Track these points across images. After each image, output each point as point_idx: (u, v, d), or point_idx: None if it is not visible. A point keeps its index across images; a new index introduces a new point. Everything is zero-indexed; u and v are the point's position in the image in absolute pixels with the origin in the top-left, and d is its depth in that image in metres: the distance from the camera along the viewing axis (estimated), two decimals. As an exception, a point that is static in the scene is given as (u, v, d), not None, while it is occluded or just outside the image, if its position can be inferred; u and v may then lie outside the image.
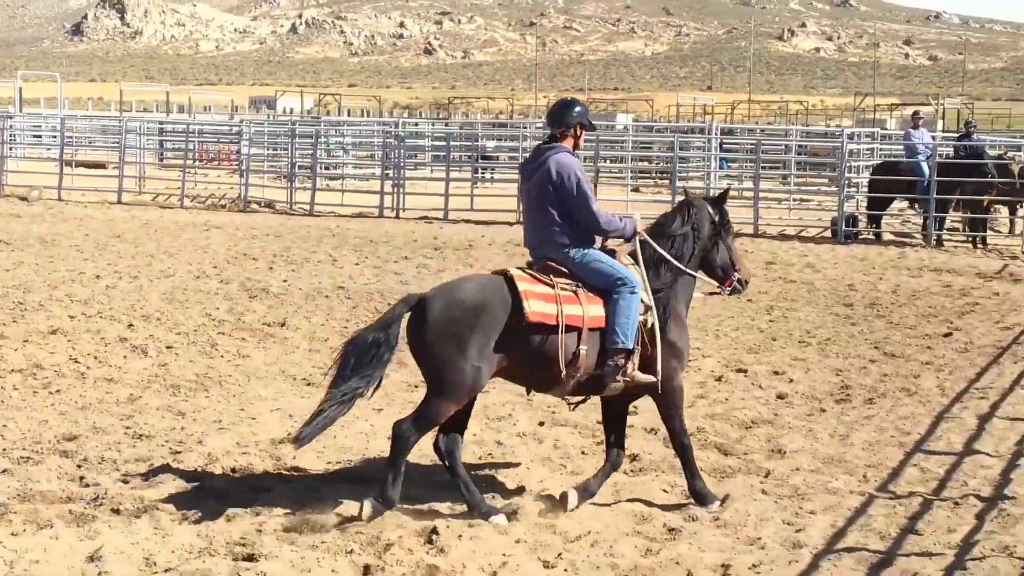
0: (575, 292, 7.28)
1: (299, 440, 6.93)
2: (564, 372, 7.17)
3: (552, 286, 7.24)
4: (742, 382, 11.10)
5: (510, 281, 7.19)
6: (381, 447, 8.38)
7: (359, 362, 7.06)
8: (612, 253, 7.57)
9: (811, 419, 9.84)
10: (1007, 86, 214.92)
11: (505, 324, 7.03)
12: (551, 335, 7.11)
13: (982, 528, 7.16)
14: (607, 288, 7.33)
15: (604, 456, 7.71)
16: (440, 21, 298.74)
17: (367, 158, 38.12)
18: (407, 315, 7.20)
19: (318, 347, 12.05)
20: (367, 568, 6.29)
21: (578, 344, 7.18)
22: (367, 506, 6.85)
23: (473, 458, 8.23)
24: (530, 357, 7.14)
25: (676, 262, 7.63)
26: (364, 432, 8.80)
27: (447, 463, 7.15)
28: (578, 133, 7.65)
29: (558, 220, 7.45)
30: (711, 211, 7.87)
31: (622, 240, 7.71)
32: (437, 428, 7.16)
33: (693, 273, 7.77)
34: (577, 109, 7.70)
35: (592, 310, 7.25)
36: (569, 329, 7.15)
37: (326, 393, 7.06)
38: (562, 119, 7.66)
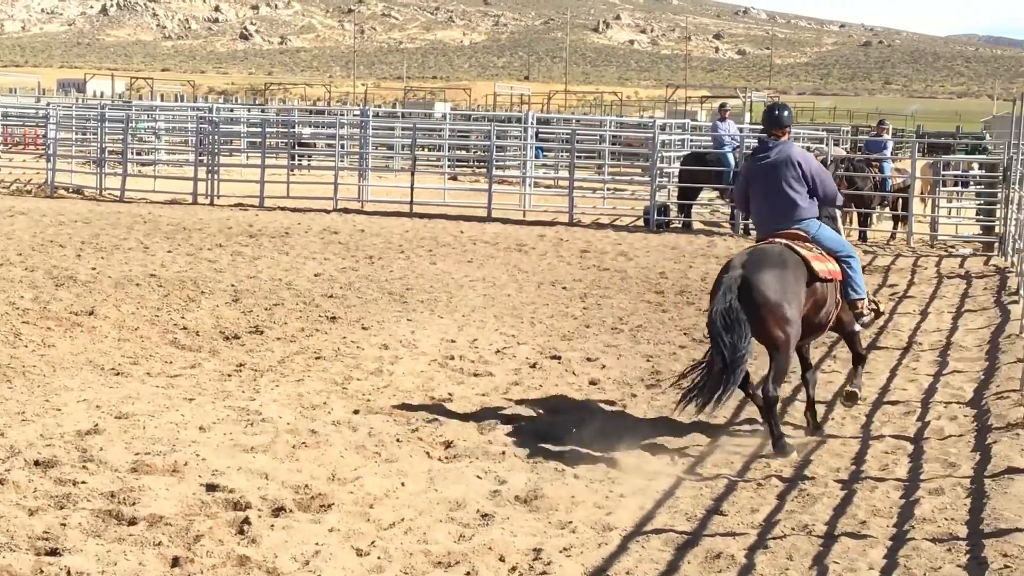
0: (822, 254, 9.01)
1: (705, 411, 8.57)
2: (832, 314, 9.15)
3: (810, 250, 8.94)
4: (556, 368, 11.22)
5: (791, 248, 8.85)
6: (192, 437, 8.22)
7: (729, 330, 8.42)
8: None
9: (623, 404, 10.01)
10: (811, 80, 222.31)
11: (805, 281, 8.72)
12: (828, 285, 9.00)
13: (783, 508, 7.40)
14: (837, 251, 9.19)
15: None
16: (257, 6, 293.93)
17: (181, 144, 37.29)
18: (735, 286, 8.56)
19: (127, 336, 11.74)
20: (176, 560, 6.15)
21: (836, 293, 9.10)
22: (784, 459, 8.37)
23: (286, 447, 8.13)
24: (814, 306, 8.91)
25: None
26: (175, 423, 8.61)
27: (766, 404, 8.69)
28: (789, 131, 9.59)
29: (799, 199, 9.14)
30: None
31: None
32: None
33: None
34: (787, 113, 9.61)
35: (832, 267, 9.05)
36: (830, 281, 8.99)
37: (709, 370, 8.58)
38: (779, 122, 9.51)
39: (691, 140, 32.65)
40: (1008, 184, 21.43)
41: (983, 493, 7.48)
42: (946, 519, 7.09)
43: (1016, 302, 14.80)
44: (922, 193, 25.68)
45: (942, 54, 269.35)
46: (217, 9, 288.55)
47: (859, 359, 9.99)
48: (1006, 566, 6.23)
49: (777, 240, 9.01)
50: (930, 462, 8.36)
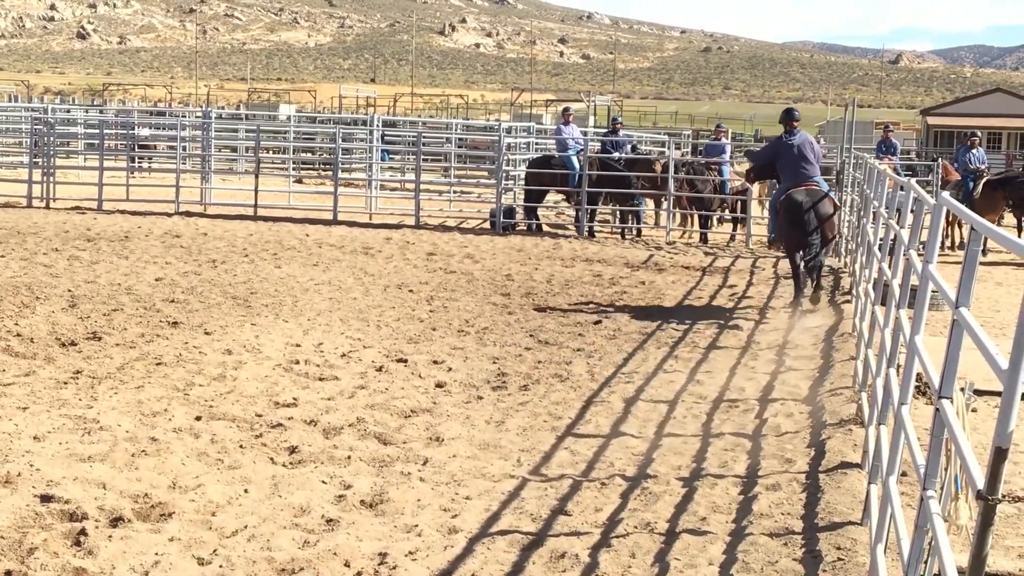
0: (829, 195, 15.58)
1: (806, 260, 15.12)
2: (837, 236, 17.04)
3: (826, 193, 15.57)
4: (402, 372, 11.19)
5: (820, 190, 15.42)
6: (25, 447, 7.97)
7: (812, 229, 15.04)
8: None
9: (468, 406, 10.03)
10: (653, 85, 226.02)
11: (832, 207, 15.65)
12: (838, 214, 16.65)
13: (626, 507, 7.49)
14: (829, 194, 15.67)
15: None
16: (95, 5, 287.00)
17: (14, 145, 36.16)
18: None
19: (-42, 344, 11.32)
20: (8, 574, 5.96)
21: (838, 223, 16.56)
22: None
23: (125, 455, 7.94)
24: (833, 226, 15.74)
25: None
26: (7, 432, 8.33)
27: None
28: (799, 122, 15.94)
29: (813, 166, 15.46)
30: None
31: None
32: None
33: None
34: (798, 112, 16.18)
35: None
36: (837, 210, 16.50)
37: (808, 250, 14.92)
38: (795, 117, 15.87)
39: (536, 143, 32.95)
40: (841, 187, 22.09)
41: (818, 488, 7.69)
42: (783, 514, 7.27)
43: (849, 301, 15.26)
44: (760, 196, 26.30)
45: (779, 60, 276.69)
46: (53, 7, 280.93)
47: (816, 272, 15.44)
48: (839, 559, 6.42)
49: (807, 185, 15.19)
50: (767, 458, 8.56)
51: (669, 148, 26.43)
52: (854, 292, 15.31)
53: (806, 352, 12.68)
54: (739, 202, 24.96)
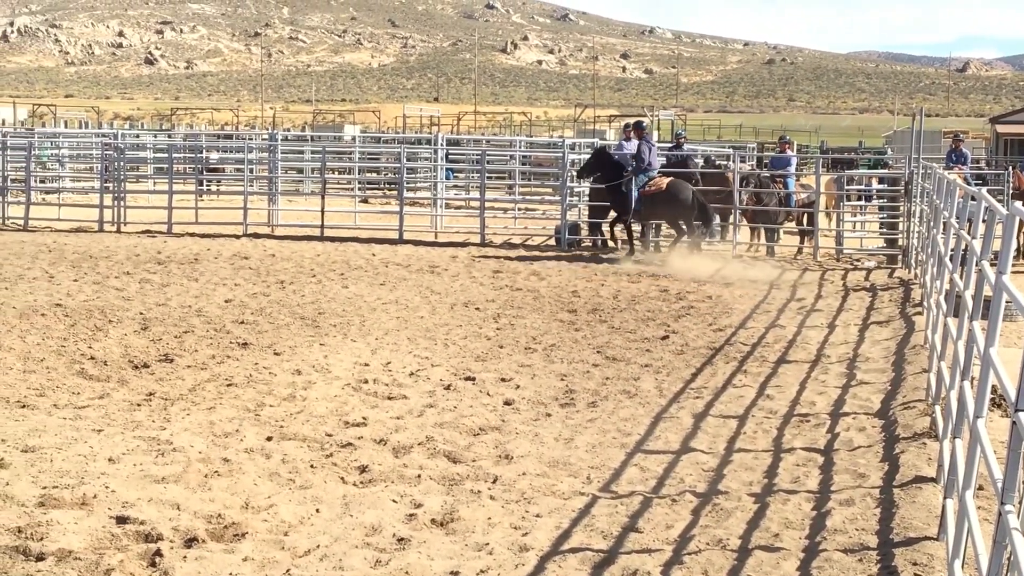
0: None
1: None
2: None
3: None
4: (470, 390, 11.21)
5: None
6: (101, 469, 8.08)
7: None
8: None
9: (537, 424, 10.03)
10: (717, 98, 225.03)
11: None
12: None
13: (698, 523, 7.45)
14: None
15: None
16: (161, 30, 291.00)
17: (86, 171, 36.72)
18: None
19: (33, 367, 11.51)
20: (87, 596, 6.04)
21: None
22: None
23: (198, 476, 8.03)
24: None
25: None
26: (83, 455, 8.45)
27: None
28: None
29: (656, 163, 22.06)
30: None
31: None
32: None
33: None
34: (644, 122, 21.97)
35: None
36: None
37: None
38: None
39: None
40: (910, 197, 21.87)
41: (892, 503, 7.60)
42: (857, 530, 7.19)
43: (920, 313, 15.08)
44: (827, 208, 26.09)
45: (843, 71, 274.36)
46: (121, 34, 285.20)
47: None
48: (916, 575, 6.33)
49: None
50: (840, 473, 8.47)
51: (734, 161, 26.28)
52: (925, 304, 15.13)
53: (877, 365, 12.54)
54: (805, 214, 24.77)
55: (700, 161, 26.60)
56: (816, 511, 7.65)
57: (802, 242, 24.89)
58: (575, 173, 25.11)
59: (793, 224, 25.71)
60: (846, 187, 25.74)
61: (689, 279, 19.58)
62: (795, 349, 13.67)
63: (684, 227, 22.79)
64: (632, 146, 25.13)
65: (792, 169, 26.21)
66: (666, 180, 22.76)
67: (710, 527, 7.36)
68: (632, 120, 27.19)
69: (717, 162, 29.18)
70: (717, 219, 26.11)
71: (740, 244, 24.27)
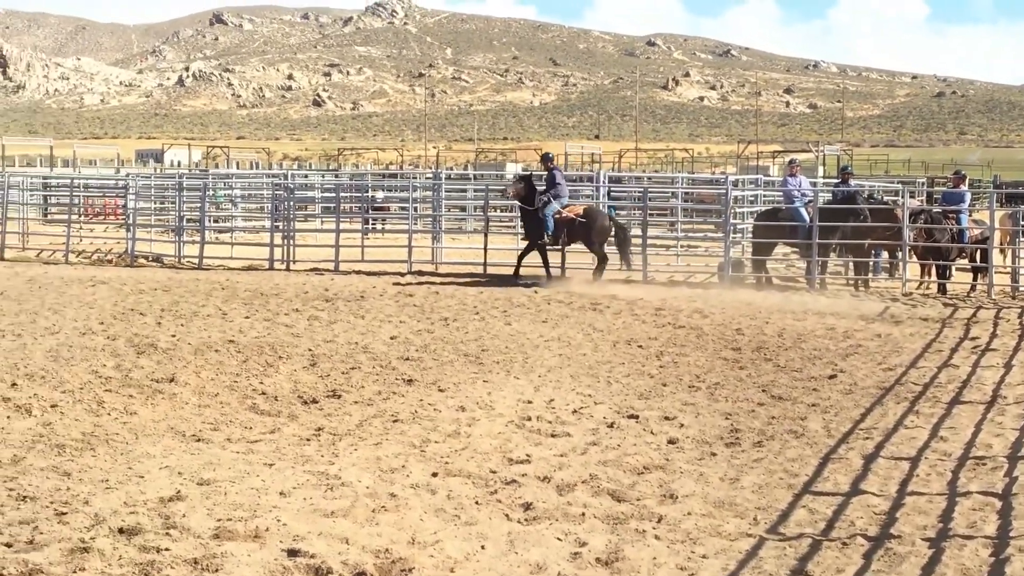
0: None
1: None
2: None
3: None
4: (634, 428, 11.16)
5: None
6: (273, 502, 8.27)
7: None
8: None
9: (702, 463, 9.92)
10: (884, 132, 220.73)
11: None
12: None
13: (869, 567, 7.27)
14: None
15: None
16: (329, 73, 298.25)
17: (257, 210, 37.78)
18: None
19: (208, 402, 11.87)
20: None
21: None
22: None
23: (366, 511, 8.15)
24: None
25: None
26: (256, 488, 8.66)
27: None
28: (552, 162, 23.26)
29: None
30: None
31: None
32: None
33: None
34: (550, 154, 23.79)
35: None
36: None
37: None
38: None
39: (764, 195, 32.56)
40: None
41: (1076, 550, 7.30)
42: (1038, 577, 6.93)
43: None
44: (1001, 244, 25.33)
45: (1017, 103, 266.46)
46: (290, 77, 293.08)
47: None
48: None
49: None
50: (1020, 519, 8.18)
51: (903, 196, 25.73)
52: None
53: (1057, 406, 12.09)
54: (979, 251, 24.09)
55: (866, 196, 26.11)
56: (994, 557, 7.40)
57: (976, 279, 24.21)
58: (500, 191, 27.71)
59: (966, 261, 25.02)
60: (1021, 222, 24.95)
61: (856, 317, 19.19)
62: (969, 390, 13.26)
63: (603, 252, 24.35)
64: (796, 182, 24.87)
65: (966, 205, 25.53)
66: (583, 206, 24.90)
67: (883, 572, 7.18)
68: (792, 155, 26.91)
69: (884, 198, 28.60)
70: (884, 255, 25.62)
71: (910, 281, 23.71)
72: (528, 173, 29.25)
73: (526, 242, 24.94)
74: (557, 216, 24.10)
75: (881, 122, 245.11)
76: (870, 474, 9.54)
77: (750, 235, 26.27)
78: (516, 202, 25.33)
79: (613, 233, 24.40)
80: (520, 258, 24.75)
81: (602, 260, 24.23)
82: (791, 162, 26.28)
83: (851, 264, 25.24)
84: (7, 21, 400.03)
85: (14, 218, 32.15)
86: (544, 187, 24.54)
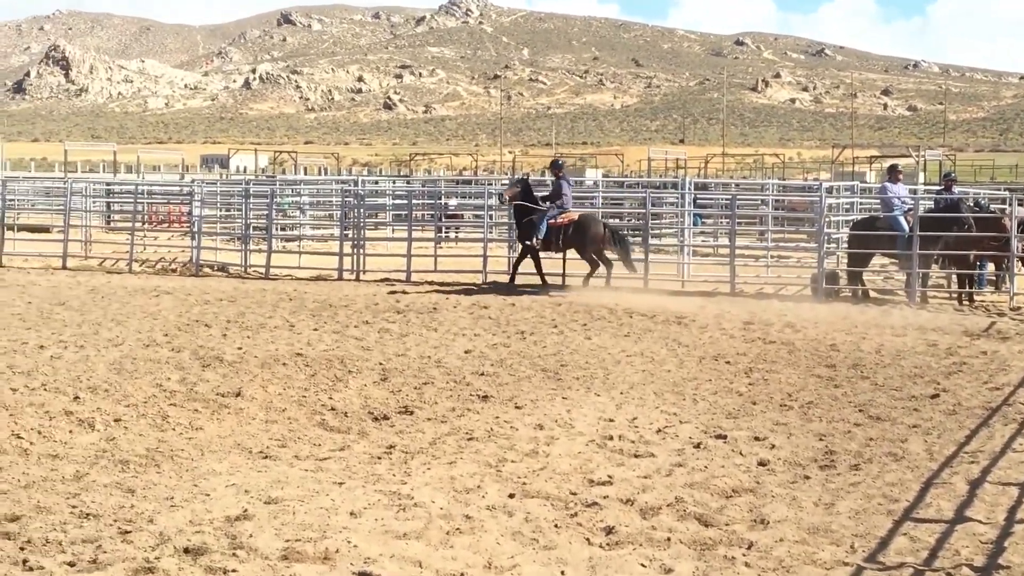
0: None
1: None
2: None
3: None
4: (722, 449, 11.09)
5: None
6: (343, 523, 8.32)
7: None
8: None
9: (794, 487, 9.84)
10: (989, 136, 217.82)
11: None
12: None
13: (976, 599, 7.17)
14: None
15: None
16: (400, 75, 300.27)
17: (325, 218, 38.11)
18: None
19: (275, 418, 11.98)
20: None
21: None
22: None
23: (440, 533, 8.18)
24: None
25: None
26: (325, 508, 8.73)
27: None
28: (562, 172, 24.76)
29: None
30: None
31: None
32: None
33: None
34: (560, 161, 25.57)
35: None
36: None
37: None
38: (558, 166, 24.82)
39: (860, 203, 32.24)
40: None
41: None
42: None
43: None
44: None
45: None
46: (360, 79, 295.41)
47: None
48: None
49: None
50: None
51: (1011, 204, 25.35)
52: None
53: None
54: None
55: (971, 204, 25.76)
56: (1111, 591, 7.26)
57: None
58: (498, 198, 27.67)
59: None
60: None
61: (960, 333, 18.93)
62: (1083, 411, 13.02)
63: (597, 259, 24.92)
64: (895, 189, 24.62)
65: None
66: (577, 212, 25.62)
67: (990, 605, 7.07)
68: (892, 161, 26.67)
69: (991, 206, 28.19)
70: (990, 267, 25.25)
71: (1018, 295, 23.36)
72: (525, 175, 29.87)
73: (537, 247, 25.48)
74: (551, 222, 24.74)
75: (986, 125, 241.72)
76: (976, 500, 9.39)
77: (845, 245, 26.01)
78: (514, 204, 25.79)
79: (613, 241, 24.87)
80: (515, 265, 25.55)
81: (593, 267, 24.99)
82: (893, 167, 25.99)
83: (954, 276, 24.89)
84: (70, 22, 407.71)
85: (77, 225, 32.67)
86: (549, 195, 25.48)
